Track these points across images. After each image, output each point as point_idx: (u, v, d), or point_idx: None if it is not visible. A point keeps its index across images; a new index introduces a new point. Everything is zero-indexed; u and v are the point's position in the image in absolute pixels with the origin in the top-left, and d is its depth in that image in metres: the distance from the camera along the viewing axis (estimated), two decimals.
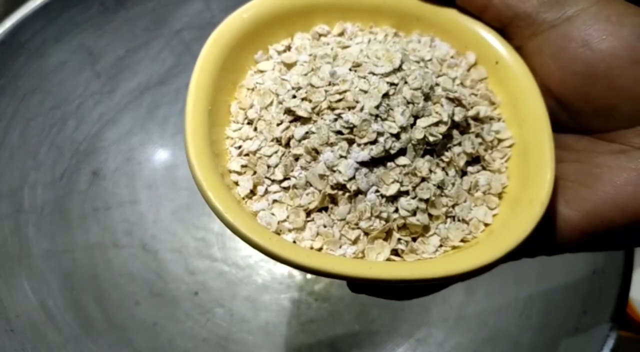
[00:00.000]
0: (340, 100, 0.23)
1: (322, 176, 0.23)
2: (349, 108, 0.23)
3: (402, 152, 0.23)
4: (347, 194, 0.23)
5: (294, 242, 0.23)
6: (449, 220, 0.24)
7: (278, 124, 0.24)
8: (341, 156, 0.23)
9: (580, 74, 0.24)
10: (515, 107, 0.26)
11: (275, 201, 0.24)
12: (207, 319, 0.45)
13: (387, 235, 0.24)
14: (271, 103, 0.25)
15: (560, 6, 0.24)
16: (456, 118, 0.24)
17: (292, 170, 0.24)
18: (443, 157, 0.24)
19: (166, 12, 0.47)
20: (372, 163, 0.23)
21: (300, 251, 0.22)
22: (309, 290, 0.47)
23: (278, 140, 0.24)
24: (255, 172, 0.24)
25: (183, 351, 0.43)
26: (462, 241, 0.24)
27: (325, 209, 0.24)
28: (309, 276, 0.48)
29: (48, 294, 0.40)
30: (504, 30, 0.26)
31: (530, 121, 0.25)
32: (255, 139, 0.25)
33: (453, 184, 0.24)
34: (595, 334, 0.36)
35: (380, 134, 0.23)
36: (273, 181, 0.24)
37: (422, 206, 0.23)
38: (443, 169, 0.24)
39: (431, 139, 0.23)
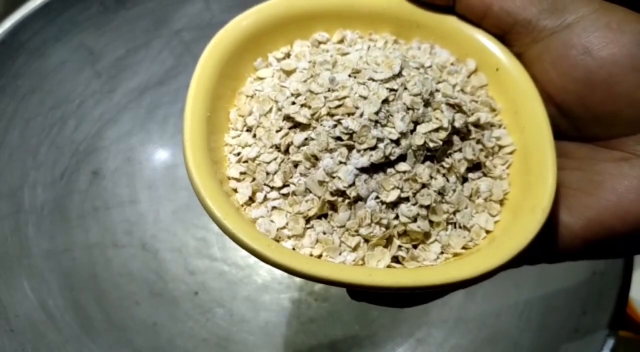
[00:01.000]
0: (339, 106, 0.23)
1: (321, 183, 0.23)
2: (349, 114, 0.23)
3: (402, 158, 0.23)
4: (346, 201, 0.23)
5: (293, 249, 0.23)
6: (450, 227, 0.24)
7: (277, 131, 0.24)
8: (341, 162, 0.23)
9: (581, 81, 0.24)
10: (516, 114, 0.26)
11: (274, 207, 0.24)
12: (207, 319, 0.45)
13: (388, 242, 0.23)
14: (270, 110, 0.25)
15: (561, 13, 0.24)
16: (456, 124, 0.24)
17: (291, 177, 0.24)
18: (443, 163, 0.24)
19: (166, 13, 0.47)
20: (372, 169, 0.23)
21: (299, 258, 0.22)
22: (309, 290, 0.47)
23: (277, 147, 0.24)
24: (254, 179, 0.24)
25: (183, 350, 0.43)
26: (463, 248, 0.24)
27: (325, 215, 0.24)
28: None
29: (48, 294, 0.40)
30: (504, 37, 0.26)
31: (531, 128, 0.25)
32: (254, 145, 0.25)
33: (454, 191, 0.24)
34: (595, 334, 0.36)
35: (380, 139, 0.23)
36: (272, 188, 0.24)
37: (423, 212, 0.23)
38: (443, 175, 0.24)
39: (431, 144, 0.23)
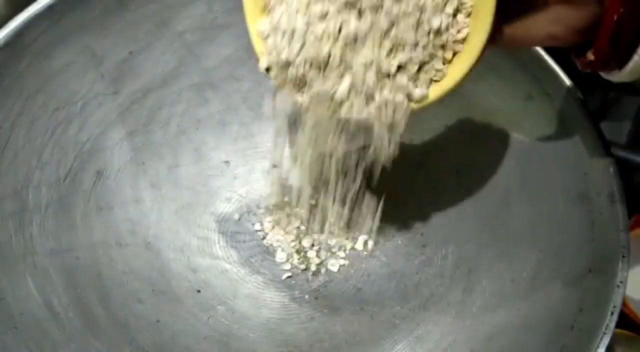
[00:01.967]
0: None
1: None
2: None
3: None
4: None
5: None
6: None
7: None
8: None
9: None
10: None
11: None
12: (209, 316, 0.45)
13: None
14: None
15: None
16: None
17: None
18: None
19: (169, 14, 0.47)
20: None
21: None
22: (309, 288, 0.48)
23: None
24: None
25: (185, 347, 0.43)
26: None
27: None
28: (309, 275, 0.48)
29: (52, 292, 0.40)
30: None
31: None
32: None
33: None
34: (591, 332, 0.36)
35: None
36: None
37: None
38: None
39: None
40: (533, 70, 0.44)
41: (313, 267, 0.48)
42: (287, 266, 0.48)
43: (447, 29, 0.32)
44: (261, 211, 0.51)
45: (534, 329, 0.40)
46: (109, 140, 0.47)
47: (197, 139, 0.52)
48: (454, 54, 0.33)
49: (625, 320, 0.51)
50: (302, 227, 0.50)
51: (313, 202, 0.47)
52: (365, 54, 0.32)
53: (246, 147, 0.53)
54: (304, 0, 0.32)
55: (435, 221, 0.50)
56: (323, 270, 0.49)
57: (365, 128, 0.35)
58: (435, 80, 0.34)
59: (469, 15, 0.32)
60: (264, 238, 0.50)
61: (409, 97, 0.34)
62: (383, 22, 0.31)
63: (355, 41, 0.32)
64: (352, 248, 0.50)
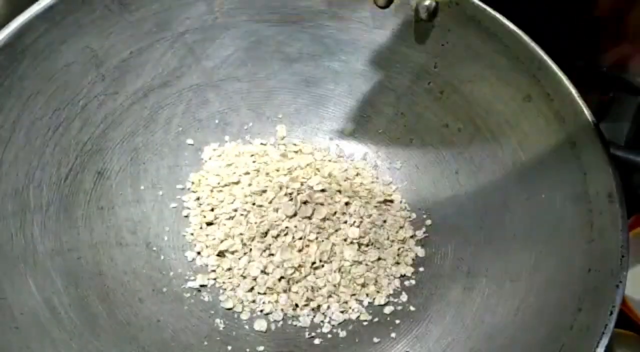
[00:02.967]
0: None
1: None
2: None
3: None
4: None
5: None
6: None
7: None
8: None
9: None
10: None
11: None
12: (210, 315, 0.46)
13: None
14: None
15: None
16: None
17: None
18: None
19: (169, 15, 0.47)
20: None
21: None
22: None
23: None
24: None
25: (186, 347, 0.43)
26: None
27: None
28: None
29: (53, 291, 0.40)
30: None
31: None
32: None
33: None
34: (590, 331, 0.37)
35: None
36: None
37: None
38: None
39: None
40: (532, 70, 0.44)
41: None
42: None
43: None
44: None
45: (533, 329, 0.40)
46: (109, 141, 0.47)
47: (197, 139, 0.52)
48: None
49: (624, 320, 0.51)
50: None
51: None
52: None
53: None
54: None
55: (435, 221, 0.50)
56: None
57: None
58: None
59: None
60: None
61: None
62: None
63: None
64: None
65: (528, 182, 0.45)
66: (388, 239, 0.48)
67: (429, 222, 0.50)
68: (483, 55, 0.47)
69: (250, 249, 0.47)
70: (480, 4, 0.45)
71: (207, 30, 0.49)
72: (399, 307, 0.47)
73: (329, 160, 0.52)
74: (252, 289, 0.46)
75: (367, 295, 0.47)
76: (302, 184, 0.48)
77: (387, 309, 0.47)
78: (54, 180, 0.43)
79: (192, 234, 0.49)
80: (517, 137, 0.46)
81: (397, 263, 0.48)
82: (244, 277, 0.46)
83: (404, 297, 0.47)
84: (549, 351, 0.38)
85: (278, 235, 0.46)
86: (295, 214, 0.47)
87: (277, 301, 0.46)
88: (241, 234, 0.47)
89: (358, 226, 0.47)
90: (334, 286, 0.46)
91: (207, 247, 0.48)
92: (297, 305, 0.46)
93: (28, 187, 0.42)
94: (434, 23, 0.48)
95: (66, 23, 0.43)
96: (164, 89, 0.49)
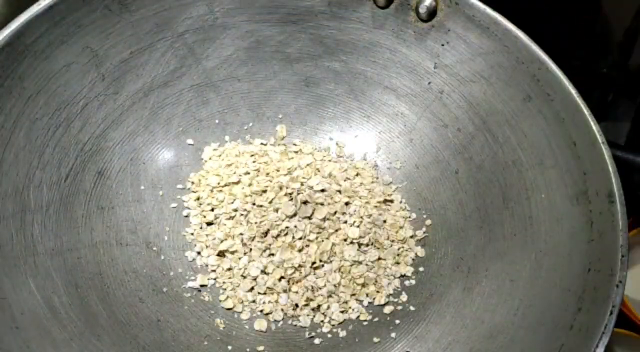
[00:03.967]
0: None
1: None
2: None
3: None
4: None
5: None
6: None
7: None
8: None
9: None
10: None
11: None
12: (210, 315, 0.46)
13: None
14: None
15: None
16: None
17: None
18: None
19: (169, 15, 0.47)
20: None
21: None
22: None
23: None
24: None
25: (186, 346, 0.43)
26: None
27: None
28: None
29: (53, 291, 0.40)
30: None
31: None
32: None
33: None
34: (590, 331, 0.37)
35: None
36: None
37: None
38: None
39: None
40: (532, 70, 0.44)
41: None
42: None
43: None
44: None
45: (533, 329, 0.40)
46: (110, 141, 0.47)
47: (197, 139, 0.52)
48: None
49: (624, 320, 0.51)
50: None
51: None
52: None
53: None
54: None
55: (435, 221, 0.50)
56: None
57: None
58: None
59: None
60: None
61: None
62: None
63: None
64: None
65: (528, 182, 0.45)
66: (388, 239, 0.48)
67: (429, 222, 0.50)
68: (483, 55, 0.47)
69: (250, 249, 0.47)
70: (480, 4, 0.46)
71: (207, 30, 0.49)
72: (399, 307, 0.47)
73: (329, 160, 0.52)
74: (252, 289, 0.46)
75: (367, 295, 0.47)
76: (302, 184, 0.48)
77: (387, 309, 0.47)
78: (54, 180, 0.43)
79: (192, 234, 0.49)
80: (517, 137, 0.46)
81: (397, 263, 0.48)
82: (244, 277, 0.46)
83: (404, 297, 0.47)
84: (549, 351, 0.38)
85: (278, 235, 0.47)
86: (295, 214, 0.47)
87: (277, 301, 0.46)
88: (241, 234, 0.47)
89: (358, 226, 0.47)
90: (334, 285, 0.46)
91: (207, 247, 0.48)
92: (297, 305, 0.46)
93: (28, 187, 0.42)
94: (433, 23, 0.48)
95: (66, 23, 0.43)
96: (164, 89, 0.50)
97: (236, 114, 0.53)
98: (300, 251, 0.46)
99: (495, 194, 0.47)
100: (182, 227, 0.49)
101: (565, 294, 0.40)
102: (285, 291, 0.46)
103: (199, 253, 0.48)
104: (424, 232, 0.50)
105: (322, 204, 0.47)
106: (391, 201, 0.51)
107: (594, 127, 0.41)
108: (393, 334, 0.45)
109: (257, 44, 0.51)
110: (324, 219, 0.47)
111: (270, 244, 0.47)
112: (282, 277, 0.46)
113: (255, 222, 0.47)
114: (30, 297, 0.39)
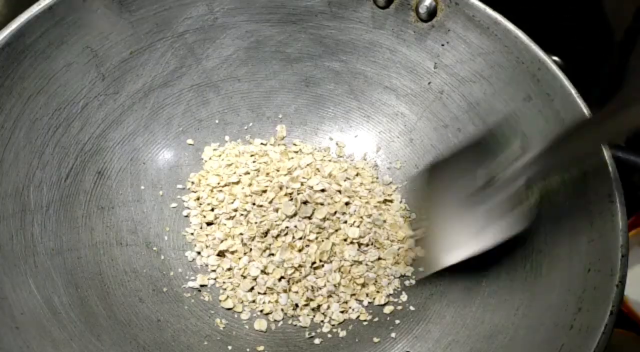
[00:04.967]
0: None
1: None
2: None
3: None
4: None
5: None
6: None
7: None
8: None
9: None
10: None
11: None
12: (210, 315, 0.46)
13: None
14: None
15: None
16: None
17: None
18: None
19: (169, 15, 0.47)
20: None
21: None
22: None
23: None
24: None
25: (186, 346, 0.43)
26: None
27: None
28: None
29: (53, 291, 0.40)
30: None
31: None
32: None
33: None
34: (590, 331, 0.37)
35: None
36: None
37: None
38: None
39: None
40: (532, 70, 0.44)
41: None
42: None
43: None
44: None
45: (533, 329, 0.40)
46: (110, 141, 0.47)
47: (197, 139, 0.52)
48: None
49: (624, 320, 0.51)
50: None
51: None
52: None
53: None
54: None
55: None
56: None
57: None
58: None
59: None
60: None
61: None
62: None
63: None
64: None
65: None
66: (388, 239, 0.48)
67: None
68: (483, 55, 0.47)
69: (250, 249, 0.47)
70: (480, 4, 0.46)
71: (207, 30, 0.49)
72: (399, 307, 0.47)
73: (329, 161, 0.52)
74: (252, 289, 0.46)
75: (367, 295, 0.47)
76: (302, 184, 0.48)
77: (387, 309, 0.47)
78: (54, 180, 0.43)
79: (192, 233, 0.49)
80: (517, 137, 0.46)
81: (397, 263, 0.48)
82: (244, 277, 0.46)
83: (404, 297, 0.47)
84: (549, 351, 0.38)
85: (278, 235, 0.47)
86: (295, 214, 0.47)
87: (277, 301, 0.46)
88: (241, 234, 0.47)
89: (358, 226, 0.47)
90: (334, 285, 0.46)
91: (207, 247, 0.48)
92: (297, 305, 0.46)
93: (28, 187, 0.42)
94: (433, 23, 0.48)
95: (66, 23, 0.43)
96: (164, 89, 0.50)
97: (236, 114, 0.53)
98: (300, 250, 0.46)
99: None
100: (182, 227, 0.49)
101: (565, 294, 0.40)
102: (285, 291, 0.46)
103: (199, 253, 0.48)
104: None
105: (322, 204, 0.47)
106: (391, 201, 0.51)
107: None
108: (393, 334, 0.45)
109: (257, 44, 0.51)
110: (324, 219, 0.47)
111: (270, 244, 0.47)
112: (282, 277, 0.46)
113: (256, 222, 0.47)
114: (30, 297, 0.39)
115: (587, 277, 0.39)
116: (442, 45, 0.49)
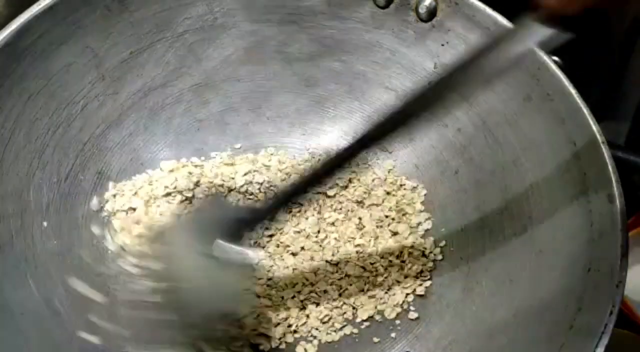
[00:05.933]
0: None
1: None
2: None
3: None
4: None
5: None
6: None
7: None
8: None
9: None
10: None
11: None
12: None
13: None
14: None
15: None
16: None
17: None
18: None
19: (169, 15, 0.47)
20: None
21: None
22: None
23: None
24: None
25: None
26: None
27: None
28: None
29: (53, 291, 0.40)
30: None
31: None
32: None
33: None
34: (590, 331, 0.36)
35: None
36: None
37: None
38: None
39: None
40: (532, 70, 0.44)
41: None
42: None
43: None
44: None
45: (532, 329, 0.40)
46: (109, 141, 0.47)
47: (197, 140, 0.52)
48: None
49: (624, 320, 0.51)
50: None
51: None
52: None
53: (247, 148, 0.53)
54: None
55: (435, 221, 0.50)
56: None
57: None
58: None
59: None
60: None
61: None
62: None
63: None
64: None
65: (528, 182, 0.45)
66: (389, 239, 0.48)
67: (429, 222, 0.50)
68: None
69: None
70: (480, 4, 0.45)
71: (207, 30, 0.49)
72: (399, 308, 0.47)
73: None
74: None
75: (368, 295, 0.47)
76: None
77: (388, 310, 0.47)
78: (54, 180, 0.43)
79: None
80: (517, 137, 0.46)
81: (398, 263, 0.48)
82: None
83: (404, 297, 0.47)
84: (549, 351, 0.38)
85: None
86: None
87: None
88: None
89: (358, 227, 0.47)
90: (336, 286, 0.46)
91: None
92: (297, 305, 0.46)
93: (28, 187, 0.42)
94: (433, 23, 0.48)
95: (66, 23, 0.43)
96: (164, 89, 0.50)
97: (236, 114, 0.53)
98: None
99: (495, 194, 0.47)
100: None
101: (565, 294, 0.39)
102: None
103: None
104: (424, 233, 0.50)
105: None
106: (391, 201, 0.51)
107: (594, 127, 0.41)
108: (393, 334, 0.45)
109: (257, 44, 0.51)
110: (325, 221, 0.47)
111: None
112: (283, 277, 0.46)
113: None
114: (30, 297, 0.39)
115: (587, 277, 0.39)
116: (442, 45, 0.49)
